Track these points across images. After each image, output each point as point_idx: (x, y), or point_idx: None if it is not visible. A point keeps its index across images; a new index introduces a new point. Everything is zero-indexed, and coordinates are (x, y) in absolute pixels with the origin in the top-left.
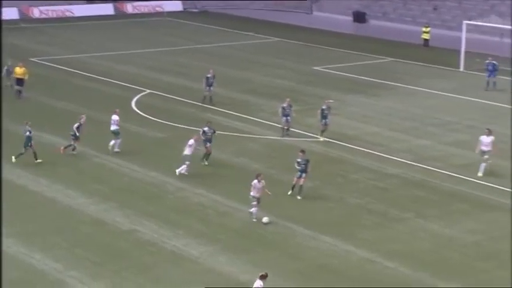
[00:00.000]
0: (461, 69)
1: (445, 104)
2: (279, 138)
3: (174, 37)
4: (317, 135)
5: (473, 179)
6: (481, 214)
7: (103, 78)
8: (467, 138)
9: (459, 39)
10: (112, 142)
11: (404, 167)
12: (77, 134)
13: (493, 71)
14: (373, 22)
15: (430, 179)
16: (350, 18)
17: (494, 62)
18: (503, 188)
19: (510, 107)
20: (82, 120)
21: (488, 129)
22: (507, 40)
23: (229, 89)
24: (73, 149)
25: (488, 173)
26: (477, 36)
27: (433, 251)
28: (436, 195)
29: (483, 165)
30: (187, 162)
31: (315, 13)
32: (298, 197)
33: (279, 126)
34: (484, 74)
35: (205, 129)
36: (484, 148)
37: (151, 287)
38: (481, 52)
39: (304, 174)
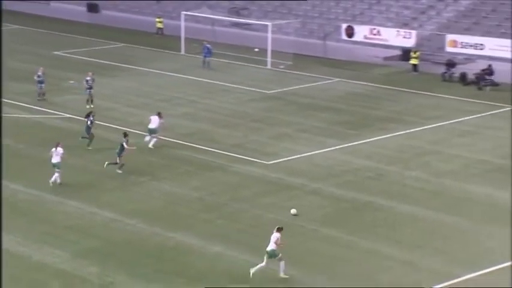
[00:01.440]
0: (183, 52)
1: (172, 82)
2: (27, 116)
3: None
4: (61, 112)
5: (196, 145)
6: (203, 174)
7: None
8: (190, 111)
9: (179, 27)
10: None
11: (139, 138)
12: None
13: (208, 53)
14: (105, 12)
15: (159, 146)
16: (84, 8)
17: (208, 45)
18: (220, 151)
19: (221, 83)
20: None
21: (159, 112)
22: (218, 28)
23: None
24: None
25: (209, 143)
26: (193, 25)
27: (165, 208)
28: (167, 160)
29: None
30: None
31: (52, 3)
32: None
33: (27, 105)
34: (200, 56)
35: None
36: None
37: None
38: (197, 38)
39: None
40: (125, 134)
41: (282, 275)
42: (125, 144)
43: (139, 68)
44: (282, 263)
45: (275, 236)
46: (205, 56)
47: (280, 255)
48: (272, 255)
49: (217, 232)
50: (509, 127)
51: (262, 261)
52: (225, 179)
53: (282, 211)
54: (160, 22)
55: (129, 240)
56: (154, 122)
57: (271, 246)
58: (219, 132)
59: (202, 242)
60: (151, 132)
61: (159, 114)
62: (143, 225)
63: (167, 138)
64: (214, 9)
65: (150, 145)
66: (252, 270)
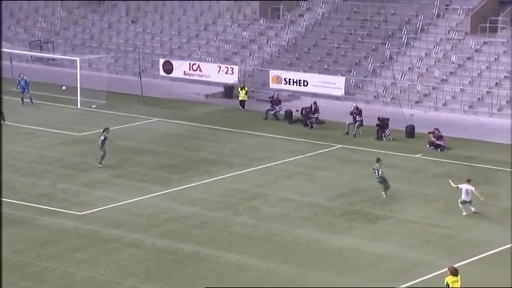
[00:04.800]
0: None
1: None
2: None
3: None
4: None
5: None
6: (4, 230)
7: None
8: None
9: None
10: None
11: None
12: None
13: (26, 87)
14: None
15: None
16: None
17: (25, 78)
18: (24, 203)
19: (24, 126)
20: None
21: None
22: (17, 64)
23: None
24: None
25: None
26: None
27: None
28: None
29: None
30: None
31: None
32: None
33: None
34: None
35: None
36: None
37: None
38: None
39: None
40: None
41: None
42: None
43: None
44: None
45: None
46: (22, 92)
47: None
48: None
49: None
50: (337, 167)
51: None
52: (31, 234)
53: (97, 267)
54: None
55: None
56: None
57: None
58: (22, 181)
59: None
60: None
61: None
62: None
63: None
64: (12, 42)
65: None
66: None
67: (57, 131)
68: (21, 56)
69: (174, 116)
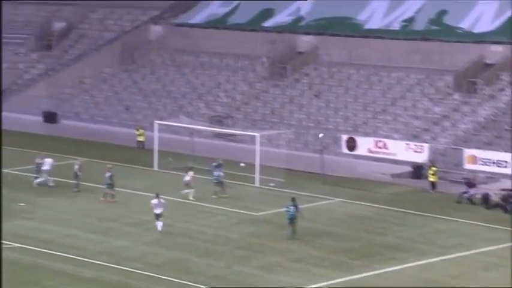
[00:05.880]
0: (155, 168)
1: (141, 203)
2: None
3: None
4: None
5: (169, 278)
6: None
7: None
8: (163, 237)
9: (152, 138)
10: None
11: (102, 270)
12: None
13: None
14: (64, 122)
15: (128, 280)
16: (40, 118)
17: (220, 161)
18: (197, 285)
19: (201, 204)
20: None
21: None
22: (197, 139)
23: None
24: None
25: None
26: (169, 136)
27: None
28: None
29: None
30: None
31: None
32: None
33: None
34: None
35: None
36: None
37: None
38: (174, 151)
39: None
40: None
41: None
42: None
43: (103, 186)
44: None
45: None
46: (216, 178)
47: None
48: None
49: None
50: None
51: None
52: None
53: None
54: (140, 135)
55: None
56: None
57: None
58: (197, 261)
59: None
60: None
61: None
62: None
63: (135, 270)
64: (192, 117)
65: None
66: None
67: (235, 210)
68: (202, 131)
69: (357, 196)
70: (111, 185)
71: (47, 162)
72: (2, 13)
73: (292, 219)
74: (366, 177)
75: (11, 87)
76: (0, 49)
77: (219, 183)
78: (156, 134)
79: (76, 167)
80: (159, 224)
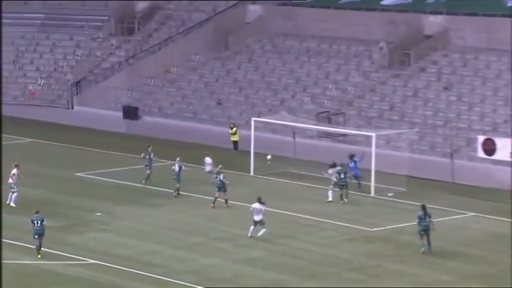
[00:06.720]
0: (252, 173)
1: (235, 214)
2: (34, 262)
3: None
4: (82, 256)
5: None
6: None
7: None
8: (260, 255)
9: (247, 138)
10: None
11: None
12: None
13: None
14: (147, 119)
15: None
16: (119, 113)
17: (356, 159)
18: None
19: (306, 216)
20: None
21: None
22: (300, 140)
23: None
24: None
25: None
26: (268, 135)
27: None
28: None
29: None
30: None
31: (76, 108)
32: None
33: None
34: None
35: None
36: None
37: None
38: (273, 153)
39: None
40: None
41: None
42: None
43: (191, 194)
44: None
45: None
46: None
47: None
48: None
49: None
50: None
51: None
52: None
53: None
54: (234, 134)
55: None
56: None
57: None
58: (302, 285)
59: None
60: None
61: None
62: None
63: None
64: (296, 113)
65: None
66: None
67: (345, 225)
68: (307, 130)
69: (495, 210)
70: (222, 188)
71: (207, 162)
72: (2, 13)
73: (426, 231)
74: (506, 187)
75: (86, 78)
76: (0, 48)
77: (345, 185)
78: (252, 133)
79: (175, 167)
80: (262, 231)
